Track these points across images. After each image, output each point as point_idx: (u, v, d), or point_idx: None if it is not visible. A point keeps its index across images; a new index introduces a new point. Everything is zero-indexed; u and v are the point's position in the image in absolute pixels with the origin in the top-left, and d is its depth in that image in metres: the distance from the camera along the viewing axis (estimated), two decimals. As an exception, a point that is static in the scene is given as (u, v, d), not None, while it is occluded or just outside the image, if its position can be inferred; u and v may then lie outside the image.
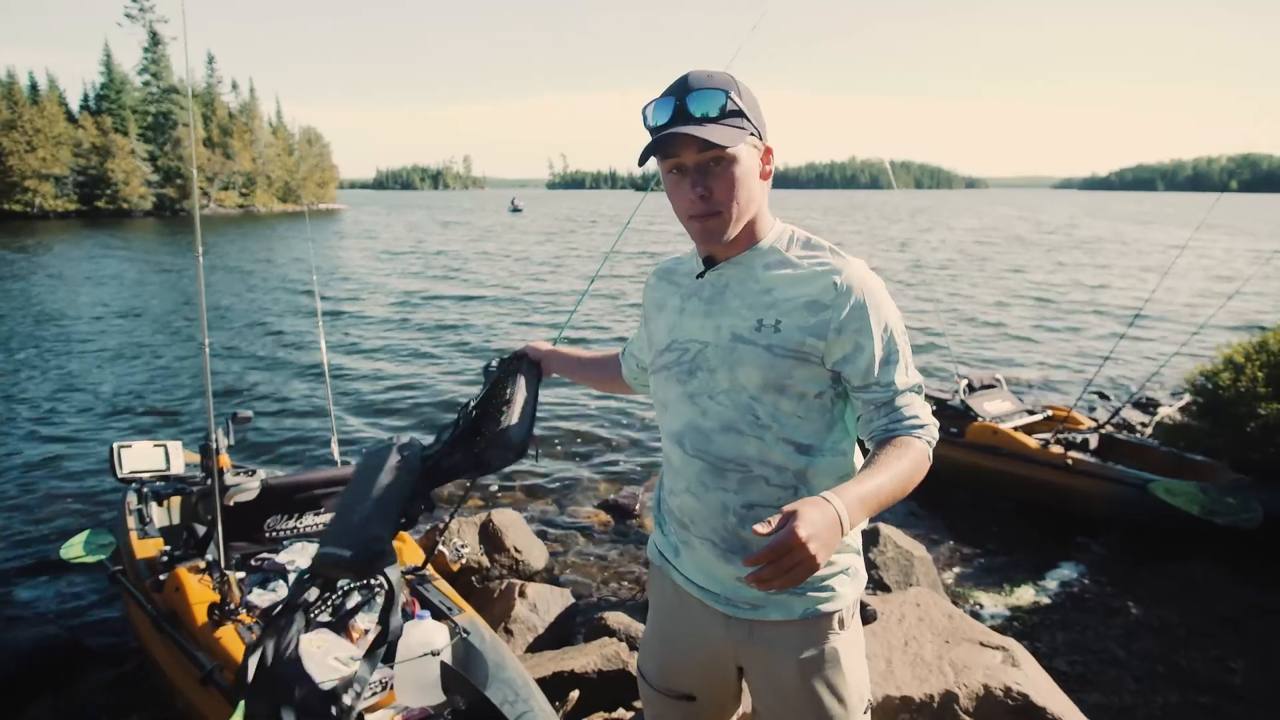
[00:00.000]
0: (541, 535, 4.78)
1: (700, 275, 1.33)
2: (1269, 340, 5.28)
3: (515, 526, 4.44)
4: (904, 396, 1.22)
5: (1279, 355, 5.08)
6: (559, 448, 6.61)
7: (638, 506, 5.28)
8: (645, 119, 1.24)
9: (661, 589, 1.49)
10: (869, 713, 1.38)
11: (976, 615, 4.09)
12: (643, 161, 1.24)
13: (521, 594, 3.69)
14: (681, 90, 1.20)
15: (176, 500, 3.93)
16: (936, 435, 1.24)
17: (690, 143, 1.18)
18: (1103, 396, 6.98)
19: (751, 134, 1.22)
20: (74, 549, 3.51)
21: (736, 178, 1.21)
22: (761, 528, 0.96)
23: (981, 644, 2.46)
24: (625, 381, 1.72)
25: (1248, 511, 4.45)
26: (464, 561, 3.29)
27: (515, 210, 65.64)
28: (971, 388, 6.09)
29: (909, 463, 1.15)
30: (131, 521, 3.50)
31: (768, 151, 1.28)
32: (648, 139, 1.25)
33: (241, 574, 2.95)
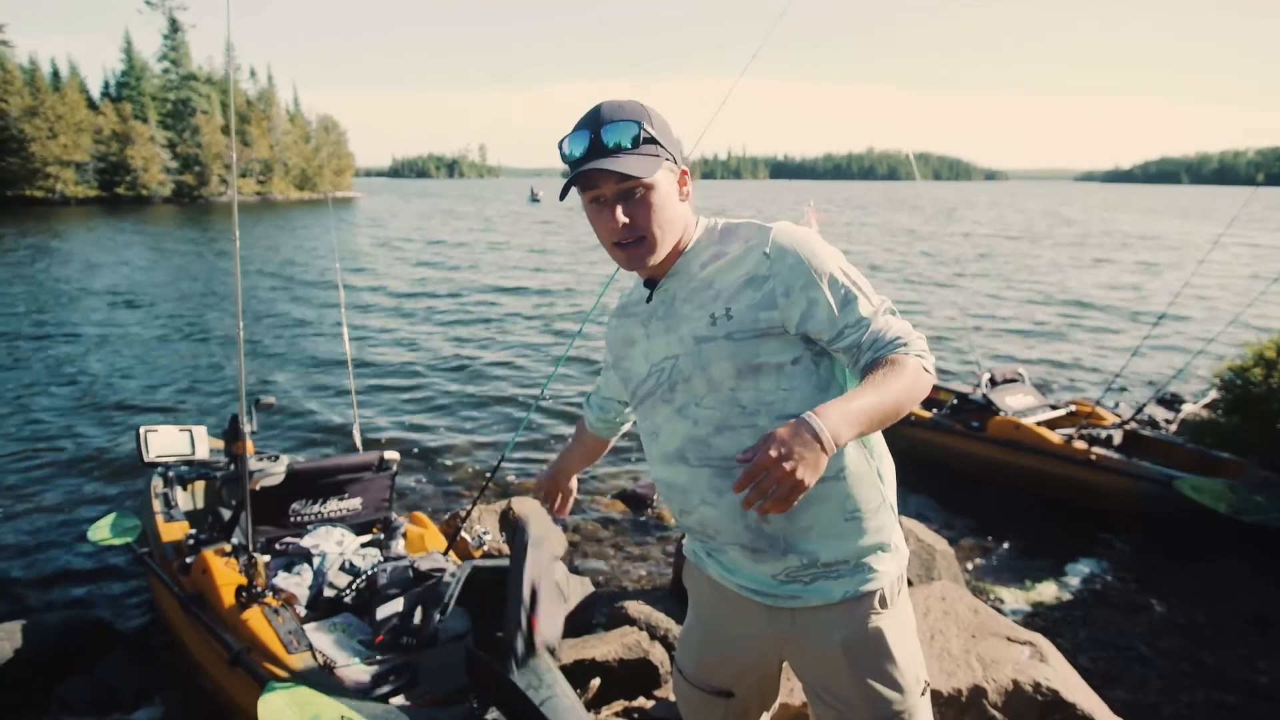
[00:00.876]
0: (560, 524, 4.79)
1: (649, 299, 1.36)
2: (1302, 337, 5.19)
3: (535, 514, 4.45)
4: (877, 322, 1.20)
5: (1312, 352, 5.00)
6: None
7: (655, 496, 5.28)
8: (562, 152, 1.25)
9: (698, 585, 1.48)
10: (927, 694, 1.35)
11: (998, 610, 4.05)
12: (563, 196, 1.26)
13: (542, 582, 3.69)
14: (595, 123, 1.22)
15: (200, 485, 3.97)
16: (925, 347, 1.21)
17: (608, 176, 1.20)
18: (1127, 392, 6.90)
19: (666, 159, 1.24)
20: (101, 531, 3.55)
21: (656, 204, 1.23)
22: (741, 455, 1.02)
23: (1009, 639, 2.44)
24: (593, 432, 1.74)
25: (1277, 510, 4.39)
26: (485, 548, 3.30)
27: (534, 200, 61.33)
28: (994, 382, 6.03)
29: (902, 379, 1.13)
30: (157, 505, 3.55)
31: (684, 174, 1.30)
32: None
33: (267, 557, 2.97)
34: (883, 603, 1.30)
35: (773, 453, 0.98)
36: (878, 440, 1.32)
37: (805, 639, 1.32)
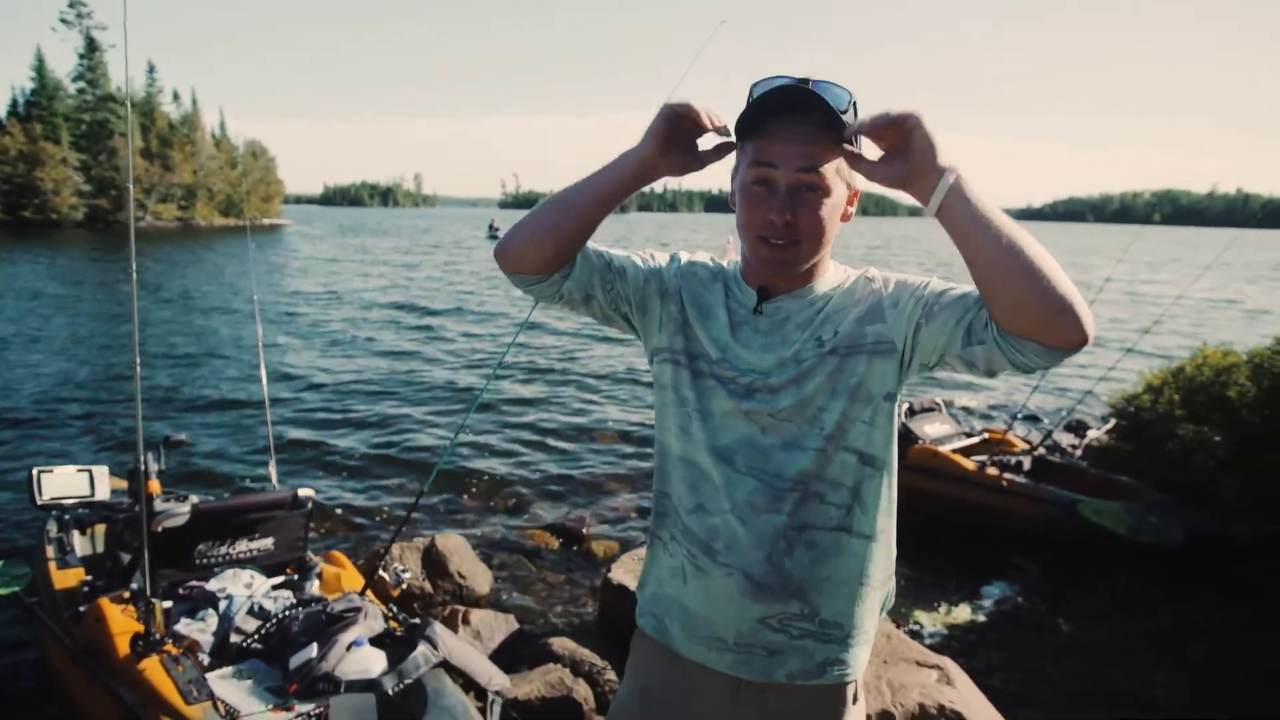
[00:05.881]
0: (487, 560, 4.71)
1: (756, 310, 1.21)
2: (1185, 366, 5.58)
3: (459, 551, 4.37)
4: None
5: (1194, 380, 5.37)
6: (507, 471, 6.53)
7: (585, 529, 5.25)
8: (752, 96, 1.10)
9: (652, 661, 1.32)
10: None
11: (916, 635, 4.18)
12: (743, 132, 1.10)
13: (465, 620, 3.63)
14: (803, 80, 1.07)
15: (101, 528, 3.76)
16: None
17: (796, 152, 1.07)
18: (1036, 419, 7.25)
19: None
20: (-15, 581, 3.32)
21: (825, 212, 1.12)
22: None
23: (918, 663, 2.52)
24: (562, 260, 1.20)
25: (1169, 531, 4.67)
26: (404, 587, 3.22)
27: (492, 236, 49.16)
28: (912, 411, 6.26)
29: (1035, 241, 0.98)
30: (51, 551, 3.34)
31: (854, 194, 1.19)
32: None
33: (168, 603, 2.83)
34: (854, 698, 1.26)
35: (913, 111, 0.97)
36: (893, 502, 1.23)
37: None
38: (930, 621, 4.33)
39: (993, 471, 5.43)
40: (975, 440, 6.13)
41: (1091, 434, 6.47)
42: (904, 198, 1.05)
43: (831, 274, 1.24)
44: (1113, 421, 6.29)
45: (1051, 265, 0.95)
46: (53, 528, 3.52)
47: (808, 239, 1.12)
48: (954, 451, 5.78)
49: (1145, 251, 54.20)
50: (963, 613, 4.43)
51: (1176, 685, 3.74)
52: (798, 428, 1.16)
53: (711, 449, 1.20)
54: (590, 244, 1.25)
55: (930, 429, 6.07)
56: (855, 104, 1.10)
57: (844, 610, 1.20)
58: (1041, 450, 5.87)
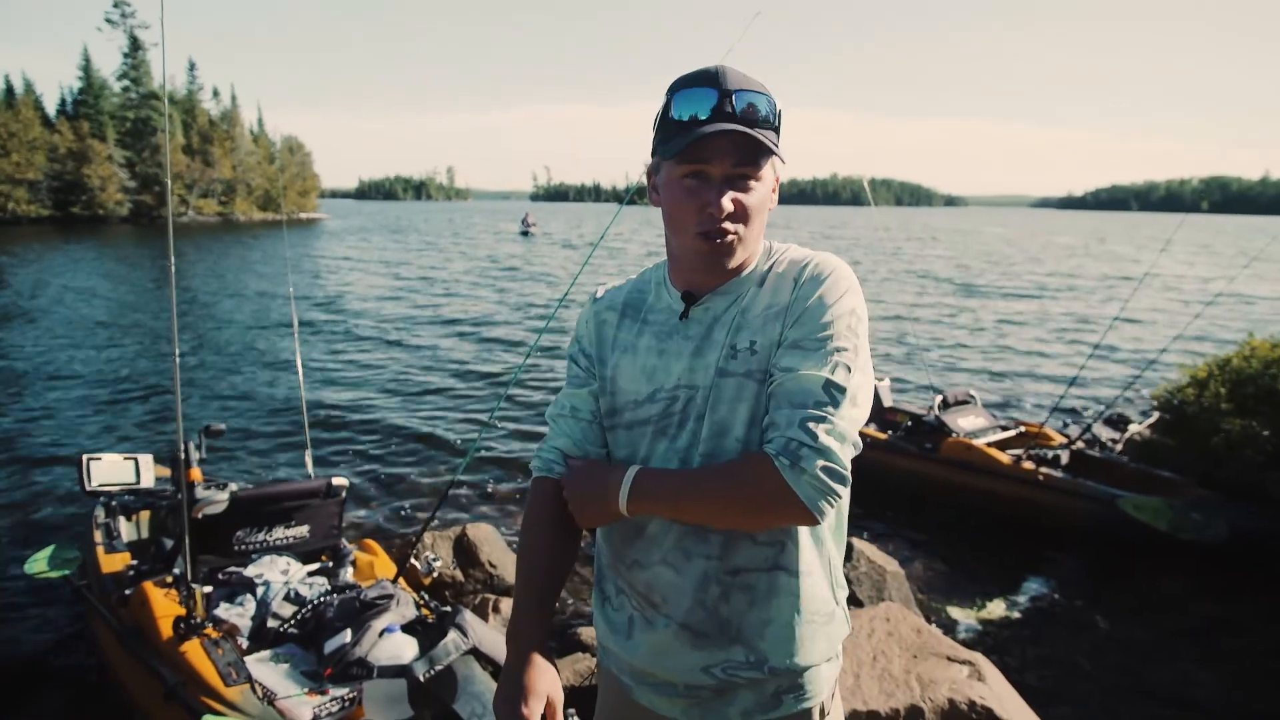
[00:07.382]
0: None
1: (684, 315, 1.14)
2: (1232, 358, 5.41)
3: (490, 540, 4.42)
4: (813, 394, 0.99)
5: (1241, 372, 5.20)
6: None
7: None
8: (668, 111, 1.05)
9: (612, 701, 1.29)
10: None
11: (949, 630, 4.12)
12: (668, 154, 1.04)
13: (495, 608, 3.67)
14: (720, 82, 1.02)
15: (146, 514, 3.89)
16: (824, 467, 0.96)
17: (731, 149, 1.02)
18: (1075, 413, 7.10)
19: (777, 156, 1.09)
20: (38, 563, 3.46)
21: (757, 202, 1.06)
22: None
23: (949, 658, 2.49)
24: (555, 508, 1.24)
25: (1212, 527, 4.54)
26: (435, 575, 3.28)
27: (525, 232, 47.56)
28: (946, 404, 6.16)
29: (741, 490, 0.99)
30: (98, 535, 3.47)
31: (777, 180, 1.13)
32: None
33: (209, 588, 2.92)
34: (822, 713, 1.17)
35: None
36: (828, 531, 1.15)
37: None
38: (964, 617, 4.27)
39: (1029, 465, 5.33)
40: (1011, 434, 6.01)
41: (1133, 428, 6.31)
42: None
43: (760, 259, 1.16)
44: (1155, 415, 6.12)
45: (734, 516, 1.03)
46: (100, 513, 3.65)
47: (747, 228, 1.07)
48: (989, 445, 5.68)
49: (1198, 239, 52.50)
50: (997, 608, 4.36)
51: (1217, 685, 3.65)
52: (716, 461, 1.09)
53: None
54: (581, 426, 1.23)
55: (964, 422, 5.97)
56: (779, 112, 1.07)
57: (795, 654, 1.13)
58: (1080, 444, 5.74)
